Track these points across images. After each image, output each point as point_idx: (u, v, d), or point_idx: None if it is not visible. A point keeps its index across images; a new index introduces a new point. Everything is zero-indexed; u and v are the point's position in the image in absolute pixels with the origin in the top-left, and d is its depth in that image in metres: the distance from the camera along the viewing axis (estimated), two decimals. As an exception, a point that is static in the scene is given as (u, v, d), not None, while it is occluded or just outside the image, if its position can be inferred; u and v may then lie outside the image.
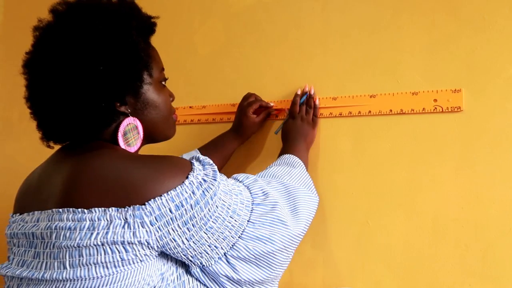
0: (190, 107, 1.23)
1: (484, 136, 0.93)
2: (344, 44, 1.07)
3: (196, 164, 0.67)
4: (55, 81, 0.65)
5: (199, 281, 0.68)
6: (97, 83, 0.65)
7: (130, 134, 0.71)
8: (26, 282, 0.64)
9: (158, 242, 0.61)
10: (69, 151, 0.71)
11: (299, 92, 1.07)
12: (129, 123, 0.70)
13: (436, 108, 0.97)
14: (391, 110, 1.01)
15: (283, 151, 0.99)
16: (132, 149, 0.73)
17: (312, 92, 1.06)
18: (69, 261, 0.60)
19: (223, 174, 0.73)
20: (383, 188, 1.00)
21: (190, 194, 0.62)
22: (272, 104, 1.10)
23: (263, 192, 0.75)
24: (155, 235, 0.60)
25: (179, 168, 0.64)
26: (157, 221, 0.60)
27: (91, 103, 0.66)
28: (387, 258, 0.98)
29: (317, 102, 1.05)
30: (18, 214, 0.71)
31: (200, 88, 1.23)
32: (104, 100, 0.67)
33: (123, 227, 0.59)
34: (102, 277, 0.59)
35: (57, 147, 0.75)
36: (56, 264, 0.61)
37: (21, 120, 1.49)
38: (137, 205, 0.60)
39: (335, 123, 1.07)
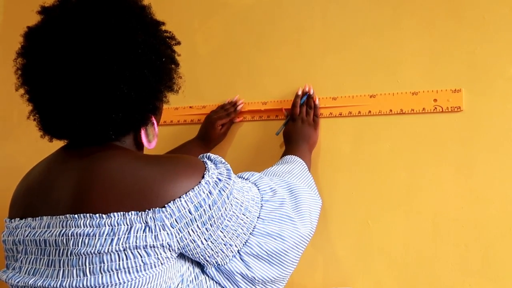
0: (190, 107, 1.23)
1: (484, 136, 0.93)
2: (344, 44, 1.07)
3: (209, 163, 0.66)
4: (97, 77, 0.61)
5: (214, 280, 0.68)
6: (158, 76, 0.66)
7: (149, 131, 0.71)
8: None
9: (179, 244, 0.60)
10: (75, 151, 0.67)
11: (299, 93, 1.07)
12: (150, 121, 0.70)
13: (436, 108, 0.97)
14: (391, 110, 1.01)
15: (285, 153, 0.99)
16: (152, 145, 0.72)
17: (311, 92, 1.07)
18: (90, 268, 0.58)
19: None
20: (383, 188, 1.00)
21: (207, 194, 0.61)
22: (240, 102, 1.14)
23: (270, 189, 0.75)
24: (176, 237, 0.60)
25: (195, 168, 0.63)
26: (177, 223, 0.59)
27: (149, 94, 0.66)
28: (387, 258, 0.98)
29: (317, 102, 1.06)
30: (18, 218, 0.67)
31: (200, 88, 1.23)
32: (154, 95, 0.68)
33: (144, 231, 0.58)
34: (124, 282, 0.58)
35: (56, 143, 0.71)
36: (75, 271, 0.58)
37: (21, 120, 1.49)
38: (157, 208, 0.58)
39: (335, 123, 1.07)
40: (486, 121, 0.93)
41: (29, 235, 0.64)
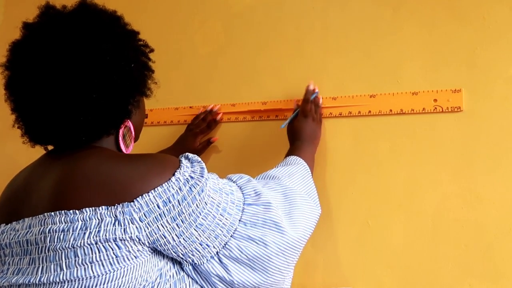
0: (190, 107, 1.23)
1: (484, 136, 0.93)
2: (344, 44, 1.07)
3: (184, 161, 0.68)
4: (67, 84, 0.65)
5: (191, 277, 0.69)
6: (126, 81, 0.69)
7: (126, 136, 0.74)
8: None
9: (149, 238, 0.62)
10: (57, 154, 0.71)
11: (311, 87, 1.03)
12: (126, 126, 0.74)
13: (436, 108, 0.97)
14: (391, 110, 1.01)
15: (291, 153, 0.95)
16: (129, 150, 0.75)
17: (317, 91, 1.05)
18: (65, 262, 0.60)
19: (214, 173, 0.72)
20: (383, 188, 1.00)
21: (177, 190, 0.63)
22: (219, 112, 1.16)
23: (255, 192, 0.74)
24: (145, 231, 0.61)
25: (166, 166, 0.65)
26: (146, 217, 0.61)
27: (118, 98, 0.69)
28: (387, 258, 0.98)
29: (320, 101, 1.05)
30: (4, 224, 0.69)
31: (200, 88, 1.23)
32: (127, 97, 0.71)
33: (114, 224, 0.60)
34: (99, 275, 0.60)
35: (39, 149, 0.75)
36: (52, 267, 0.61)
37: (21, 120, 1.49)
38: (126, 202, 0.61)
39: (335, 123, 1.07)
40: (486, 121, 0.93)
41: (14, 237, 0.66)
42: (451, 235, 0.93)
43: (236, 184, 0.76)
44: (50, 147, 0.75)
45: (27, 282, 0.62)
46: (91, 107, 0.66)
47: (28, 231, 0.64)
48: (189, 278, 0.68)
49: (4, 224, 0.69)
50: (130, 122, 0.74)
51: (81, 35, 0.66)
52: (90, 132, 0.68)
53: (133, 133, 0.75)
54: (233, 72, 1.20)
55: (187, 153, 0.71)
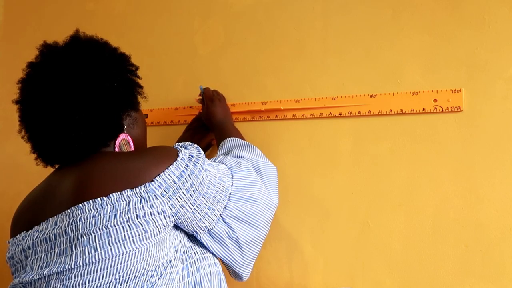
0: (190, 107, 1.23)
1: (484, 136, 0.93)
2: (344, 44, 1.07)
3: (179, 147, 0.78)
4: (63, 110, 0.73)
5: (207, 250, 0.79)
6: (111, 98, 0.77)
7: (124, 148, 0.82)
8: (55, 277, 0.68)
9: (172, 210, 0.71)
10: (67, 166, 0.77)
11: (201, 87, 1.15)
12: (123, 139, 0.81)
13: (436, 108, 0.97)
14: (391, 110, 1.01)
15: (222, 136, 1.05)
16: None
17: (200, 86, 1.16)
18: (99, 243, 0.66)
19: None
20: (383, 188, 1.00)
21: (185, 166, 0.74)
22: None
23: (236, 162, 0.89)
24: (167, 204, 0.71)
25: (169, 151, 0.76)
26: (166, 192, 0.71)
27: (105, 113, 0.77)
28: (387, 258, 0.98)
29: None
30: (24, 231, 0.75)
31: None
32: (115, 112, 0.79)
33: (141, 202, 0.68)
34: (130, 251, 0.66)
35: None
36: (87, 250, 0.66)
37: (21, 120, 1.48)
38: (147, 183, 0.70)
39: (335, 123, 1.07)
40: (486, 121, 0.93)
41: (38, 237, 0.72)
42: (451, 235, 0.93)
43: (217, 161, 0.89)
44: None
45: (61, 269, 0.67)
46: (83, 123, 0.74)
47: (54, 227, 0.70)
48: (197, 255, 0.77)
49: (24, 232, 0.75)
50: (128, 136, 0.82)
51: (69, 66, 0.75)
52: (88, 145, 0.75)
53: (131, 145, 0.83)
54: (233, 72, 1.20)
55: (177, 143, 0.80)
